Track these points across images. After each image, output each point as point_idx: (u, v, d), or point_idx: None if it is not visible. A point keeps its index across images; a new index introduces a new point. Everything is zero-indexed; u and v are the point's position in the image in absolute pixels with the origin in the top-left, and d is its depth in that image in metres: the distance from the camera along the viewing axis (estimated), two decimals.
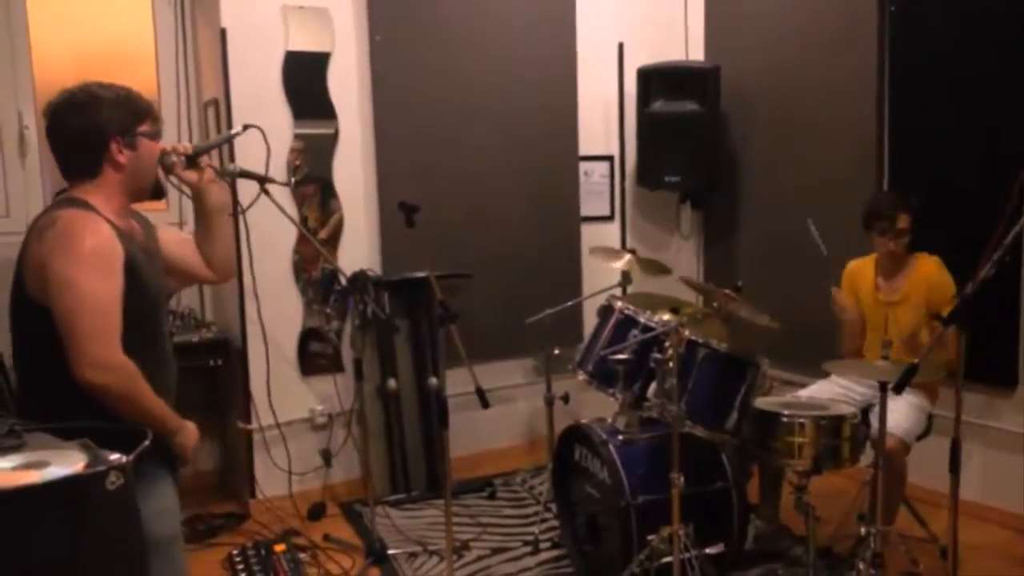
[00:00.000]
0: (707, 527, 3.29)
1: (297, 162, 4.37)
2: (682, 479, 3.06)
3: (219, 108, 4.27)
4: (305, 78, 4.36)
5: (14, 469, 1.12)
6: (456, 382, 4.50)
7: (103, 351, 1.96)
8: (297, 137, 4.36)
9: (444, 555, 3.77)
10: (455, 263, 4.51)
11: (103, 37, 4.53)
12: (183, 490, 4.22)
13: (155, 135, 2.21)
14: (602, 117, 5.18)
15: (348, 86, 4.47)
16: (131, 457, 1.15)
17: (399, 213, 3.36)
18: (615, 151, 5.24)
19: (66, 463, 1.13)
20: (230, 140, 2.45)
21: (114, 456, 1.15)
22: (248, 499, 4.32)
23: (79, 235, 1.99)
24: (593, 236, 5.15)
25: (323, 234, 4.46)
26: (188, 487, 4.51)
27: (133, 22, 4.55)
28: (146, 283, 2.13)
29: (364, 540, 3.94)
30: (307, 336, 4.47)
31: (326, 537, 4.00)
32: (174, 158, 2.29)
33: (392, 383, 4.41)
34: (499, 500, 4.41)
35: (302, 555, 3.76)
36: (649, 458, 3.33)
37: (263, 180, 3.71)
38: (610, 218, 5.30)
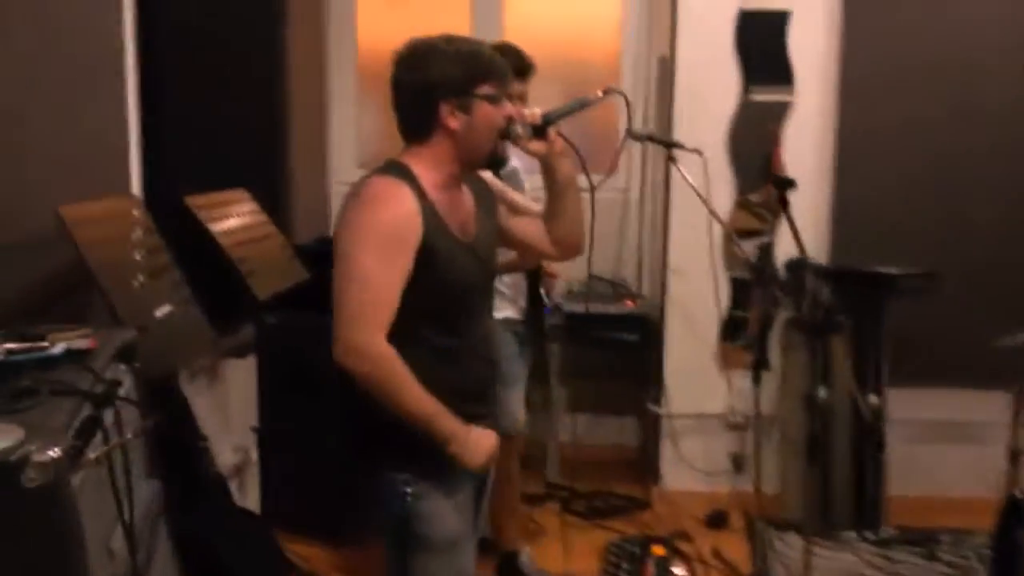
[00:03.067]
0: None
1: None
2: None
3: (667, 66, 4.02)
4: (760, 39, 3.88)
5: None
6: (907, 405, 3.78)
7: (359, 337, 1.79)
8: (744, 104, 3.90)
9: None
10: (922, 261, 3.71)
11: None
12: (592, 463, 4.27)
13: (496, 99, 1.94)
14: None
15: (810, 49, 3.86)
16: (59, 454, 0.90)
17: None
18: None
19: None
20: (585, 107, 2.07)
21: (51, 450, 0.91)
22: (652, 486, 4.09)
23: (375, 209, 1.84)
24: None
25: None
26: (602, 459, 4.52)
27: None
28: (446, 269, 1.90)
29: (755, 568, 3.46)
30: (734, 325, 4.05)
31: (715, 553, 3.60)
32: (519, 128, 1.99)
33: (823, 393, 3.79)
34: (937, 563, 3.55)
35: (676, 571, 3.41)
36: None
37: (671, 146, 3.41)
38: None
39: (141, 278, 1.95)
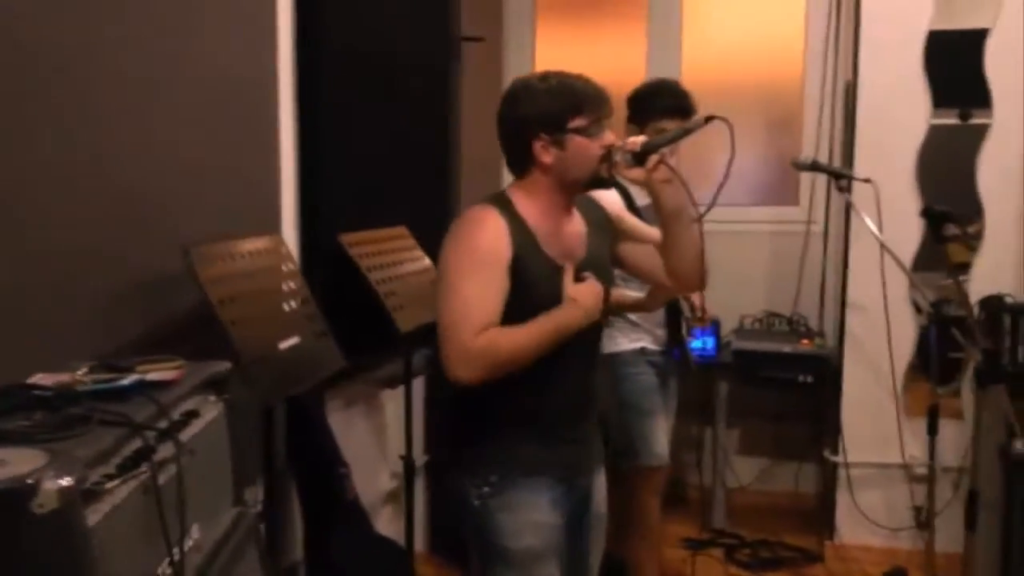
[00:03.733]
0: None
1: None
2: None
3: (850, 91, 3.81)
4: (952, 61, 3.59)
5: None
6: None
7: (459, 345, 1.80)
8: (933, 128, 3.62)
9: None
10: None
11: (753, 23, 4.43)
12: (763, 510, 4.07)
13: (591, 131, 1.94)
14: None
15: (1011, 67, 3.52)
16: (70, 482, 0.93)
17: None
18: None
19: (10, 468, 0.99)
20: (688, 134, 2.01)
21: (63, 479, 0.93)
22: (825, 539, 3.84)
23: (463, 232, 1.92)
24: None
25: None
26: (774, 507, 4.27)
27: (784, 4, 4.37)
28: (536, 291, 1.90)
29: None
30: (945, 368, 3.73)
31: None
32: (617, 157, 1.97)
33: (1019, 446, 3.42)
34: None
35: None
36: None
37: (837, 175, 3.22)
38: None
39: (266, 313, 2.06)
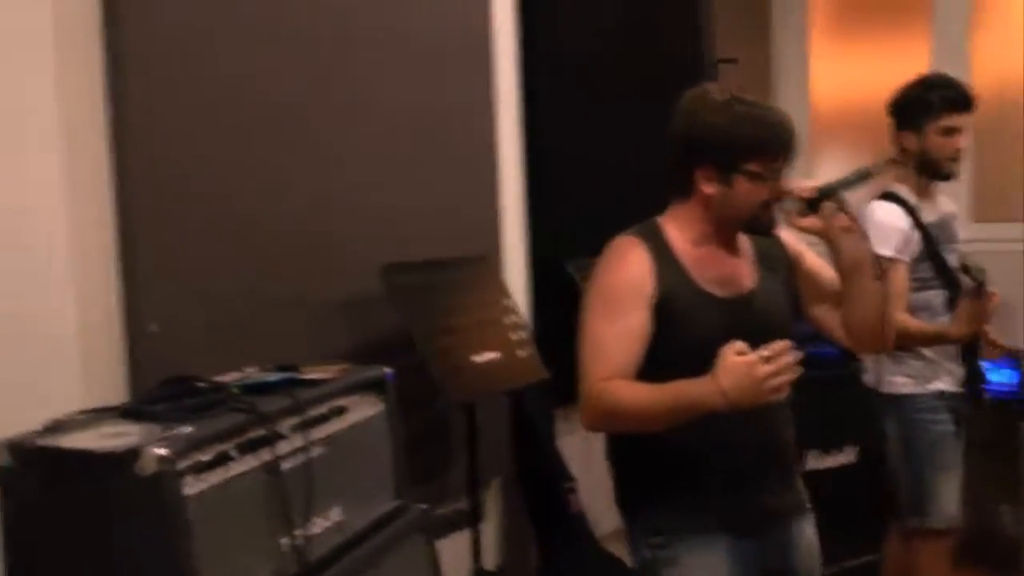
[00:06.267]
0: None
1: None
2: None
3: None
4: None
5: (103, 435, 1.21)
6: None
7: (584, 388, 1.72)
8: None
9: None
10: None
11: None
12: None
13: (762, 178, 1.74)
14: None
15: None
16: (166, 452, 1.13)
17: None
18: None
19: (126, 439, 1.17)
20: (868, 178, 1.80)
21: (164, 449, 1.14)
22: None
23: (606, 268, 1.80)
24: None
25: None
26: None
27: None
28: (685, 324, 1.74)
29: None
30: None
31: None
32: (788, 205, 1.79)
33: None
34: None
35: None
36: None
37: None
38: None
39: (461, 329, 2.19)
